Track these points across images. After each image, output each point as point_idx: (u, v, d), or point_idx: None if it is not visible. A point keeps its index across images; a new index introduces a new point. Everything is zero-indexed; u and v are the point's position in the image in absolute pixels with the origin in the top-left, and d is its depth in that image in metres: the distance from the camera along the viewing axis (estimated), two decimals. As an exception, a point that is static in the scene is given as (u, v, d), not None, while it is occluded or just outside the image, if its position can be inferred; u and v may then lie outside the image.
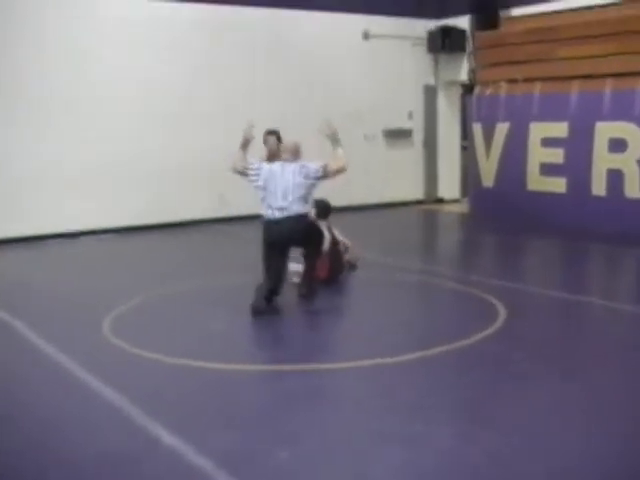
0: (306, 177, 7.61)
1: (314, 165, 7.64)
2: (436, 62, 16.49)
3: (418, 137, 16.61)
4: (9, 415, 5.24)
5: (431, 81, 16.54)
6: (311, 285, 8.05)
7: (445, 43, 15.88)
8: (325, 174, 7.66)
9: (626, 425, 4.78)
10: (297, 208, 7.61)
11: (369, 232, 12.93)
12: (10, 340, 6.98)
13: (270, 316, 7.49)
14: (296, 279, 8.35)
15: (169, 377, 5.93)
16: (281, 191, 7.59)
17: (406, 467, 4.24)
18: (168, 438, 4.67)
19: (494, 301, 7.72)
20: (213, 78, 13.68)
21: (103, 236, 12.62)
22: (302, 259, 8.27)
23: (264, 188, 7.65)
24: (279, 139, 9.05)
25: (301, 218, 7.68)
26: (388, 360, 6.05)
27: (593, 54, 11.99)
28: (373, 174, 15.66)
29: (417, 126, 16.56)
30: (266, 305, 7.58)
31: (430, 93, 16.59)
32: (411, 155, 16.52)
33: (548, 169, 12.52)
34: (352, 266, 9.41)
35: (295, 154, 7.81)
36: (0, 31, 11.84)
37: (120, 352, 6.46)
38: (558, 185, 12.34)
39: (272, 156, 9.13)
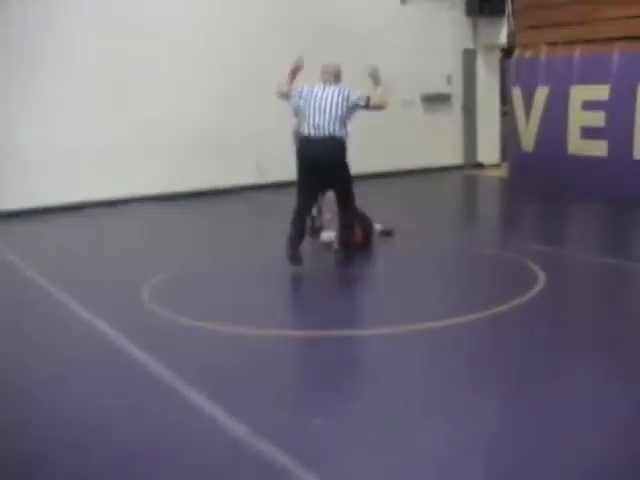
0: (346, 99, 7.68)
1: (357, 92, 7.72)
2: (474, 25, 16.30)
3: (457, 102, 16.49)
4: (49, 381, 5.34)
5: (470, 45, 16.37)
6: (348, 250, 8.08)
7: (483, 6, 15.69)
8: (366, 104, 7.74)
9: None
10: (333, 129, 7.64)
11: (408, 198, 12.92)
12: (49, 306, 7.09)
13: (309, 280, 7.55)
14: (335, 246, 8.40)
15: (207, 344, 5.98)
16: (319, 108, 7.67)
17: (446, 438, 4.25)
18: (204, 403, 4.73)
19: (533, 266, 7.68)
20: (247, 48, 13.61)
21: (139, 204, 12.68)
22: (337, 224, 8.34)
23: (303, 106, 7.76)
24: None
25: (337, 141, 7.69)
26: (425, 326, 6.06)
27: (635, 14, 11.75)
28: (412, 139, 15.57)
29: (456, 91, 16.43)
30: (298, 246, 7.75)
31: (469, 57, 16.43)
32: (450, 120, 16.41)
33: (589, 133, 12.35)
34: (387, 233, 9.40)
35: (336, 76, 7.93)
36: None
37: (158, 319, 6.54)
38: (599, 149, 12.17)
39: None
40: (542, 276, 7.32)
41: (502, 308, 6.41)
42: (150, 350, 5.68)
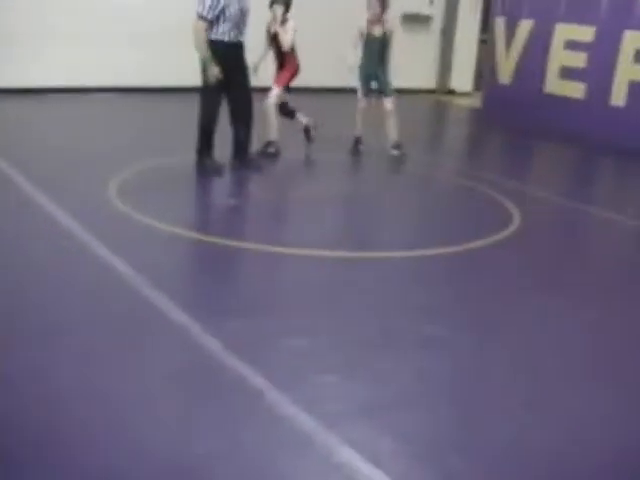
0: None
1: (206, 3, 7.65)
2: (464, -52, 15.93)
3: (436, 24, 16.19)
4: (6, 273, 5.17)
5: (457, -32, 16.01)
6: (242, 157, 8.25)
7: None
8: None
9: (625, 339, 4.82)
10: None
11: (377, 118, 12.69)
12: (11, 195, 6.87)
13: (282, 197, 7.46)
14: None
15: (176, 249, 5.90)
16: None
17: (415, 367, 4.24)
18: (175, 312, 4.61)
19: (507, 203, 7.64)
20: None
21: (111, 94, 12.30)
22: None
23: None
24: None
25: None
26: (398, 255, 6.01)
27: (632, -42, 11.54)
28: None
29: (437, 13, 16.12)
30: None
31: (454, -20, 16.10)
32: (428, 42, 16.13)
33: (568, 73, 12.22)
34: (308, 131, 9.45)
35: None
36: None
37: (125, 218, 6.35)
38: (577, 90, 12.07)
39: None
40: (516, 214, 7.28)
41: (477, 244, 6.36)
42: (114, 249, 5.52)
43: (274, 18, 8.70)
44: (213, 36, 7.71)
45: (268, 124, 8.86)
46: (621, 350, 4.67)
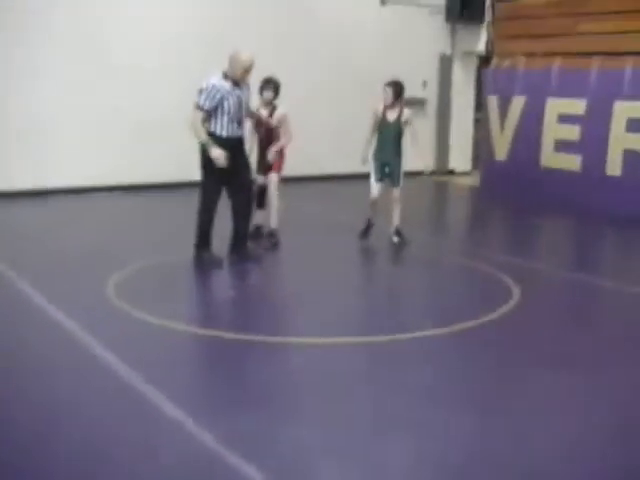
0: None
1: (203, 94, 7.70)
2: (453, 31, 16.22)
3: (431, 107, 16.40)
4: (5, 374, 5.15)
5: (447, 51, 16.29)
6: (241, 249, 8.22)
7: (463, 12, 15.62)
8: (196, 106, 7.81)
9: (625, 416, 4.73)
10: None
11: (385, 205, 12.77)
12: (10, 296, 6.88)
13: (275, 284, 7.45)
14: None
15: (173, 345, 5.84)
16: None
17: (416, 454, 4.16)
18: (169, 408, 4.56)
19: (506, 279, 7.62)
20: (221, 36, 13.38)
21: (111, 193, 12.44)
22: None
23: None
24: None
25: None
26: (393, 338, 5.95)
27: (616, 30, 11.75)
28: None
29: (431, 96, 16.35)
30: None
31: (446, 63, 16.36)
32: (424, 125, 16.27)
33: (563, 146, 12.34)
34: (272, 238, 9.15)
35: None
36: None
37: (124, 315, 6.34)
38: (572, 163, 12.17)
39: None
40: (516, 290, 7.25)
41: (476, 322, 6.31)
42: (113, 348, 5.49)
43: (263, 104, 8.80)
44: (212, 131, 7.75)
45: (272, 212, 8.90)
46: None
